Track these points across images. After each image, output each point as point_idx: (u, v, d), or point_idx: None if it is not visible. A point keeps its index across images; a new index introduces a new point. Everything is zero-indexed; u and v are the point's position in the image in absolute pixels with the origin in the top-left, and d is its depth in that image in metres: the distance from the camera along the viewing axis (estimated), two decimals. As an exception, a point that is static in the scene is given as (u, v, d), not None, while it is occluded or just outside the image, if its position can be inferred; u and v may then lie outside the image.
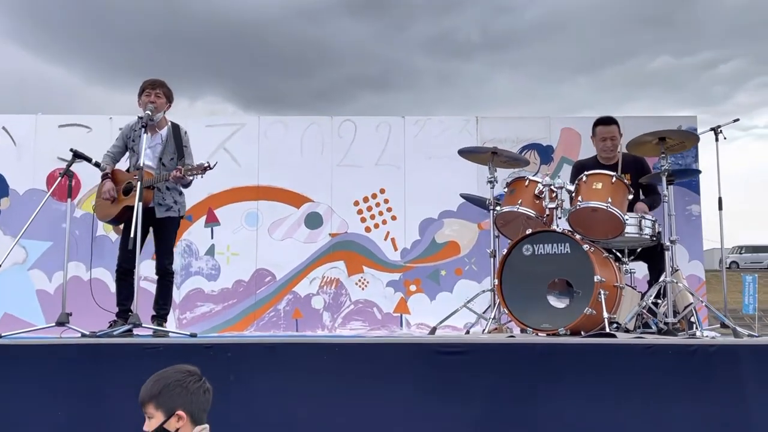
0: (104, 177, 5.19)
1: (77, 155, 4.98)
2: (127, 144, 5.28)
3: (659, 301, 4.82)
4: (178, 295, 7.56)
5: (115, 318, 5.03)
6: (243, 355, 3.72)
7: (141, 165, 4.77)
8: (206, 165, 4.95)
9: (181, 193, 5.29)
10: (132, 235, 4.58)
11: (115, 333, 4.50)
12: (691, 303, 4.77)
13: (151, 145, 5.17)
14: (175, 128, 5.27)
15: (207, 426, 2.36)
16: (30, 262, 7.75)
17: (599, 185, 4.84)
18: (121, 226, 5.30)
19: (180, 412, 2.30)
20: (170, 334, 4.96)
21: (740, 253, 32.25)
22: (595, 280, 4.52)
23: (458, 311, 5.45)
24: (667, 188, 4.78)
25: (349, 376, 3.68)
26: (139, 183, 4.68)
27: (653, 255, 5.17)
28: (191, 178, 5.09)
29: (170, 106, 5.29)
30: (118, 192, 5.13)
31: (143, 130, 4.90)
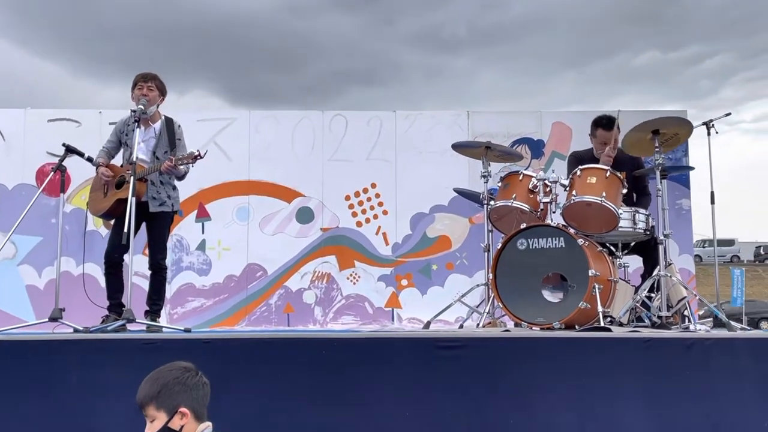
0: (98, 168, 5.16)
1: (70, 150, 4.94)
2: (121, 139, 5.25)
3: (653, 294, 4.84)
4: (169, 290, 7.52)
5: (107, 312, 5.01)
6: (240, 351, 3.70)
7: (134, 159, 4.75)
8: (197, 154, 4.91)
9: (174, 188, 5.26)
10: (125, 229, 4.55)
11: (108, 328, 4.48)
12: (685, 297, 4.79)
13: (145, 138, 5.14)
14: (169, 122, 5.24)
15: (210, 424, 2.34)
16: (19, 257, 7.68)
17: (593, 179, 4.85)
18: (112, 221, 5.26)
19: (183, 409, 2.27)
20: (164, 329, 4.94)
21: (703, 247, 32.30)
22: (590, 274, 4.53)
23: (452, 305, 5.46)
24: (660, 183, 4.81)
25: (347, 371, 3.67)
26: (132, 178, 4.65)
27: (647, 249, 5.20)
28: (184, 168, 5.06)
29: (163, 99, 5.26)
30: (111, 185, 5.10)
31: (136, 124, 4.87)
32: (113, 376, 3.63)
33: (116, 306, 5.02)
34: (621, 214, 4.80)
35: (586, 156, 5.54)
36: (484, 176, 5.44)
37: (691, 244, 8.10)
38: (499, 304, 4.91)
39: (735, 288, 13.16)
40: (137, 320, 4.65)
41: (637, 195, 5.54)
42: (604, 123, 5.49)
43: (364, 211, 8.15)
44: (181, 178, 5.21)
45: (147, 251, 5.25)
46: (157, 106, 5.21)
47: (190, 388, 2.32)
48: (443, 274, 8.06)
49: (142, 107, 4.97)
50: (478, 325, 5.20)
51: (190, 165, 5.05)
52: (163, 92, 5.23)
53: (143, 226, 5.16)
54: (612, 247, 5.11)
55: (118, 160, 5.33)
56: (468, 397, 3.66)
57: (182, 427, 2.26)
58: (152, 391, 2.28)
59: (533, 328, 4.68)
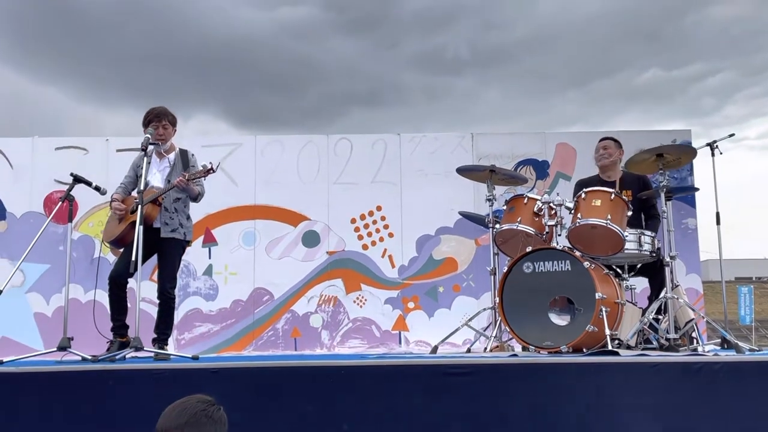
0: (112, 202, 5.23)
1: (77, 179, 4.98)
2: (138, 173, 5.31)
3: (660, 317, 4.84)
4: (176, 315, 7.52)
5: (112, 335, 5.04)
6: (248, 380, 3.70)
7: (141, 188, 4.79)
8: (210, 167, 4.97)
9: (188, 218, 5.30)
10: (133, 257, 4.57)
11: (117, 357, 4.48)
12: (693, 319, 4.78)
13: (160, 168, 5.25)
14: (184, 153, 5.36)
15: None
16: (27, 285, 7.71)
17: (598, 202, 4.87)
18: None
19: None
20: (171, 357, 4.94)
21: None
22: (597, 297, 4.54)
23: (459, 329, 5.47)
24: (665, 204, 4.82)
25: (354, 398, 3.66)
26: (140, 206, 4.69)
27: (653, 271, 5.20)
28: (198, 188, 5.11)
29: (176, 130, 5.36)
30: (125, 211, 5.15)
31: (145, 152, 4.93)
32: (121, 406, 3.63)
33: (119, 328, 5.06)
34: (626, 236, 4.81)
35: (591, 183, 5.57)
36: (489, 200, 5.47)
37: (699, 264, 8.05)
38: (506, 328, 4.91)
39: (743, 306, 13.15)
40: (145, 348, 4.66)
41: (646, 217, 5.55)
42: (601, 138, 5.80)
43: (369, 234, 8.16)
44: (195, 199, 5.25)
45: (155, 277, 5.28)
46: (171, 139, 5.31)
47: (215, 422, 2.30)
48: (450, 297, 8.04)
49: (149, 136, 5.03)
50: (485, 348, 5.20)
51: (203, 180, 5.13)
52: (174, 124, 5.33)
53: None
54: (618, 269, 5.11)
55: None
56: (477, 423, 3.65)
57: None
58: (179, 421, 2.24)
59: (541, 351, 4.67)
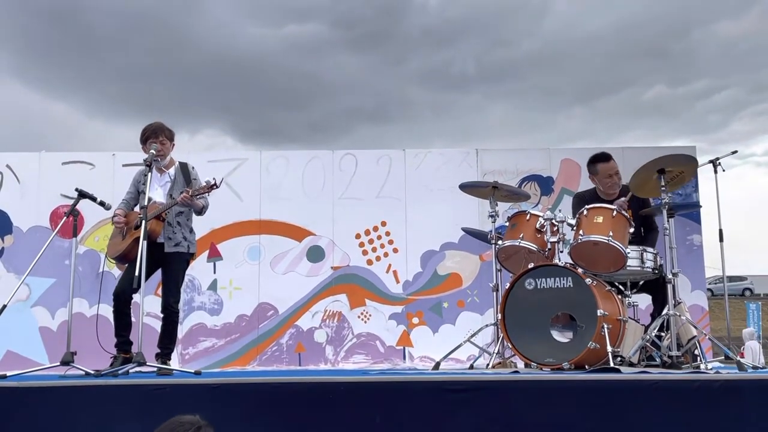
0: (114, 217, 5.27)
1: (82, 194, 5.03)
2: (138, 188, 5.35)
3: (662, 334, 4.82)
4: (180, 330, 7.55)
5: (115, 350, 5.06)
6: (248, 396, 3.71)
7: (145, 203, 4.83)
8: (213, 183, 5.00)
9: (192, 231, 5.33)
10: (137, 273, 4.60)
11: (119, 372, 4.50)
12: (695, 336, 4.77)
13: (161, 183, 5.28)
14: (183, 166, 5.38)
15: None
16: (33, 299, 7.75)
17: (600, 219, 4.87)
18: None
19: None
20: (174, 371, 4.95)
21: (715, 284, 31.74)
22: (598, 314, 4.54)
23: (462, 346, 5.47)
24: (667, 221, 4.81)
25: (355, 416, 3.66)
26: (143, 221, 4.72)
27: (656, 287, 5.19)
28: (202, 201, 5.14)
29: (174, 144, 5.39)
30: (128, 226, 5.18)
31: (148, 168, 4.97)
32: (123, 422, 3.64)
33: (123, 344, 5.09)
34: (629, 253, 4.81)
35: (589, 195, 5.55)
36: (491, 216, 5.48)
37: (704, 280, 8.03)
38: (509, 344, 4.91)
39: (751, 322, 13.10)
40: (148, 363, 4.68)
41: (645, 230, 5.53)
42: (601, 157, 5.47)
43: (374, 249, 8.18)
44: (200, 212, 5.28)
45: (160, 292, 5.31)
46: (170, 154, 5.34)
47: None
48: (454, 312, 8.04)
49: (153, 152, 5.07)
50: (488, 365, 5.20)
51: (207, 196, 5.15)
52: (172, 139, 5.36)
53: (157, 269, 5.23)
54: (621, 286, 5.11)
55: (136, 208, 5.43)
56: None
57: None
58: None
59: (543, 368, 4.67)
